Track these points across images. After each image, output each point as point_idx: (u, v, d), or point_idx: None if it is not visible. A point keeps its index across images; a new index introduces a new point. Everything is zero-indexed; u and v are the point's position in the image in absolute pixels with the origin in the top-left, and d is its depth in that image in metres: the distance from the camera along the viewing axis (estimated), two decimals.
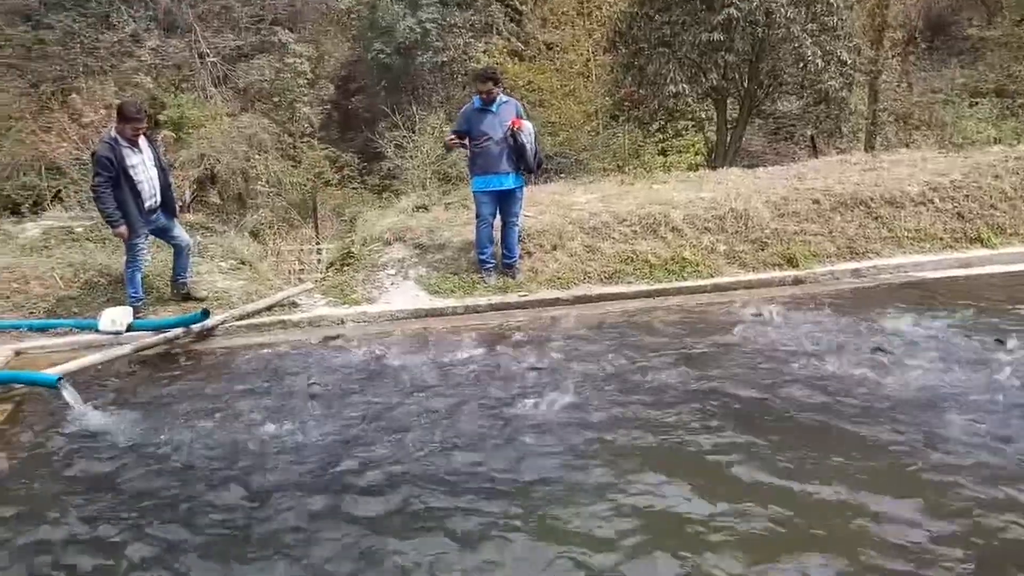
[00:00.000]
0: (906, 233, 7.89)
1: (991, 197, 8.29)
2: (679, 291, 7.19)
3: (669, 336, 5.82)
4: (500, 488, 3.51)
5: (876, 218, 8.04)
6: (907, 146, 14.78)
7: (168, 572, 2.99)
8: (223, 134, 17.94)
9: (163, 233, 6.69)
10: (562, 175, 15.85)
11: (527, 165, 6.93)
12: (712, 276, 7.41)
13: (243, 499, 3.52)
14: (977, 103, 22.01)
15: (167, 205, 6.59)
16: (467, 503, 3.38)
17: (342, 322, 6.61)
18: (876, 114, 18.77)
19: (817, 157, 14.19)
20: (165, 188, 6.53)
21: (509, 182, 6.93)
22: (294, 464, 3.85)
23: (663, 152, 19.25)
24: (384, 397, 4.72)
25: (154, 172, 6.39)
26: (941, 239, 7.88)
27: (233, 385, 5.16)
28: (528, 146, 6.80)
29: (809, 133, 16.62)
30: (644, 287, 7.22)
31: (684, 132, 19.26)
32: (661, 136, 18.77)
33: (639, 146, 19.24)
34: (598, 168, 16.71)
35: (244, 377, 5.35)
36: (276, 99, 21.64)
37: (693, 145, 19.10)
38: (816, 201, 8.17)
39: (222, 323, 6.43)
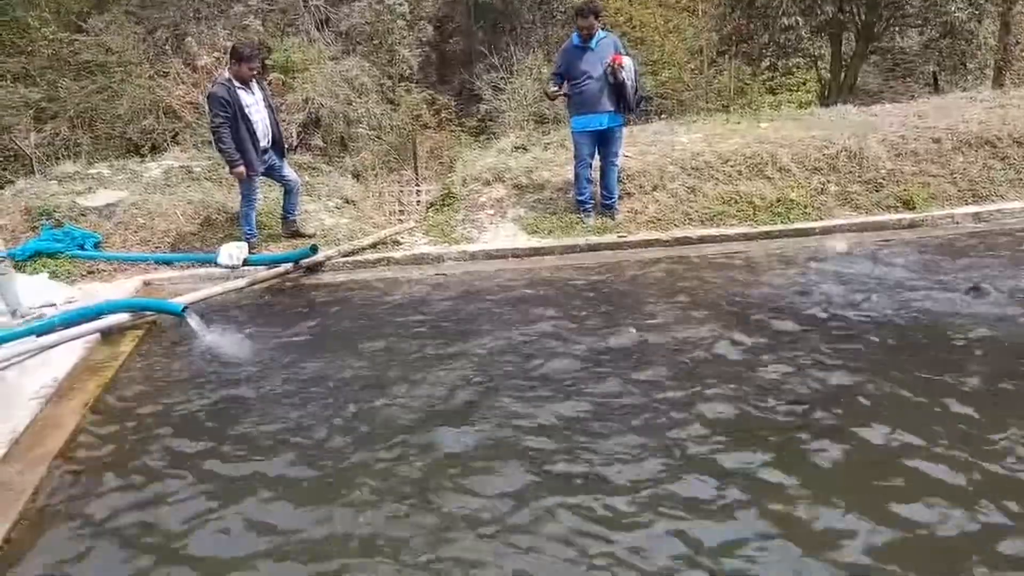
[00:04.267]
0: None
1: None
2: (784, 234, 6.98)
3: None
4: None
5: (1003, 159, 7.52)
6: None
7: (283, 489, 3.21)
8: (326, 78, 18.27)
9: (274, 172, 6.95)
10: (663, 116, 15.44)
11: (627, 103, 6.78)
12: (821, 218, 7.14)
13: (347, 421, 3.72)
14: None
15: (277, 145, 6.84)
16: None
17: (442, 260, 6.76)
18: (1008, 48, 17.31)
19: (939, 95, 13.27)
20: (276, 128, 6.77)
21: (609, 121, 6.82)
22: (409, 396, 4.01)
23: (771, 91, 18.42)
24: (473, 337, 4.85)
25: (266, 113, 6.62)
26: None
27: (339, 315, 5.40)
28: (628, 83, 6.64)
29: (931, 70, 15.53)
30: (747, 229, 7.04)
31: (795, 70, 18.34)
32: (770, 74, 17.96)
33: (745, 85, 18.46)
34: (702, 108, 16.17)
35: (349, 308, 5.59)
36: (376, 42, 21.80)
37: (804, 83, 18.19)
38: (937, 140, 7.70)
39: (329, 259, 6.69)
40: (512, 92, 19.02)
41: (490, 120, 19.51)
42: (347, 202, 8.25)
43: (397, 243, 7.16)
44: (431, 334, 4.87)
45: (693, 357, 4.26)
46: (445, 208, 7.82)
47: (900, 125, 8.12)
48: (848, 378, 3.84)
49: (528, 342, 4.61)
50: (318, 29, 22.15)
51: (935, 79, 14.24)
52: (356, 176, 13.42)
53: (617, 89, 6.71)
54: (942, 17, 13.12)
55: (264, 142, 6.59)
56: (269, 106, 6.68)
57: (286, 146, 7.18)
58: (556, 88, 6.98)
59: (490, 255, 6.79)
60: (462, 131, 19.83)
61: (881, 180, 7.39)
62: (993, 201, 7.19)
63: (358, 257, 6.83)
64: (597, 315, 5.07)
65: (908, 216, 7.06)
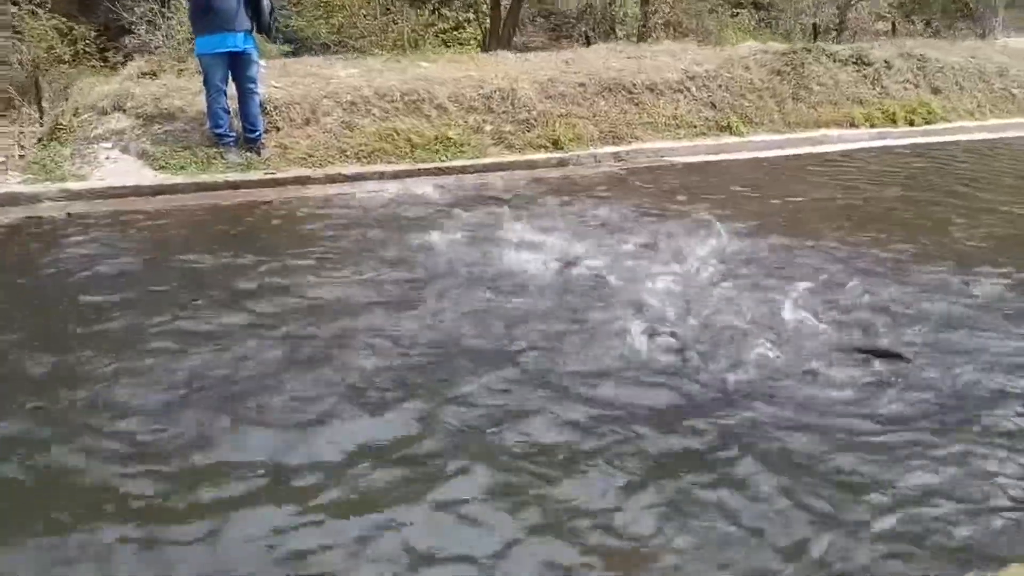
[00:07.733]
0: (664, 119, 8.02)
1: (741, 88, 8.64)
2: (442, 171, 6.84)
3: None
4: None
5: (637, 104, 8.10)
6: None
7: None
8: None
9: None
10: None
11: (262, 24, 6.09)
12: (478, 157, 7.12)
13: None
14: (738, 14, 23.48)
15: None
16: None
17: (39, 200, 5.56)
18: (648, 16, 19.23)
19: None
20: None
21: (244, 42, 6.04)
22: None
23: (445, 44, 18.52)
24: None
25: None
26: (695, 126, 8.10)
27: None
28: (264, 1, 5.95)
29: (583, 30, 16.66)
30: (405, 167, 6.78)
31: (467, 23, 18.65)
32: (441, 26, 18.00)
33: (420, 36, 18.35)
34: (379, 56, 15.68)
35: None
36: None
37: (476, 38, 18.56)
38: (582, 84, 8.06)
39: None
40: (168, 29, 16.95)
41: (143, 54, 17.23)
42: None
43: None
44: None
45: None
46: (52, 142, 6.50)
47: (550, 69, 8.38)
48: None
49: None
50: None
51: (587, 38, 15.21)
52: None
53: (253, 5, 5.98)
54: None
55: None
56: None
57: None
58: None
59: (102, 194, 5.74)
60: (106, 66, 17.27)
61: (532, 120, 7.54)
62: (629, 142, 7.71)
63: None
64: None
65: (557, 155, 7.30)
